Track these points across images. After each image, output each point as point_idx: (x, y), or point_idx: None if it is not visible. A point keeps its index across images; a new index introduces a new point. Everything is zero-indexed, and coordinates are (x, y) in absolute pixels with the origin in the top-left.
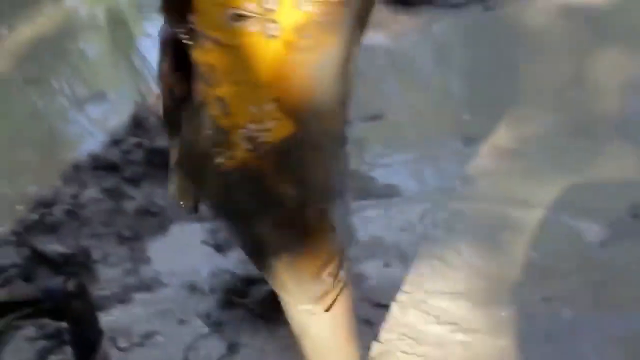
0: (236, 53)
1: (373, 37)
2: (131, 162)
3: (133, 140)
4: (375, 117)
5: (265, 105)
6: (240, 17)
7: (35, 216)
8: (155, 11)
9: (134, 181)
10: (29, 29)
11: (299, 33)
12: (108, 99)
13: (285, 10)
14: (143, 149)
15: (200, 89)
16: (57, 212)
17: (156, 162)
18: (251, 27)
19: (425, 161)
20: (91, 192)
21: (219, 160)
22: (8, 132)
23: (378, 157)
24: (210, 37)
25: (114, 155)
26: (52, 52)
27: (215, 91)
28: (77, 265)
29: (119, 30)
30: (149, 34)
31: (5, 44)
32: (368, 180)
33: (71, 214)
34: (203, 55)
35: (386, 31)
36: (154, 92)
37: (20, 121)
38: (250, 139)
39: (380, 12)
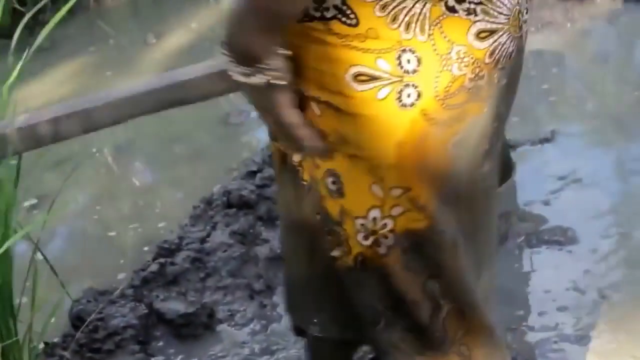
0: (357, 122)
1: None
2: (267, 198)
3: (269, 171)
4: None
5: (390, 189)
6: (367, 78)
7: (156, 266)
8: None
9: (269, 221)
10: (177, 38)
11: (444, 102)
12: (248, 121)
13: (429, 72)
14: None
15: (309, 162)
16: (181, 260)
17: None
18: (381, 93)
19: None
20: (220, 236)
21: (334, 253)
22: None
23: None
24: (321, 100)
25: (248, 190)
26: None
27: (326, 164)
28: (199, 326)
29: None
30: None
31: (151, 54)
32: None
33: (196, 262)
34: (313, 119)
35: None
36: None
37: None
38: (369, 231)
39: None
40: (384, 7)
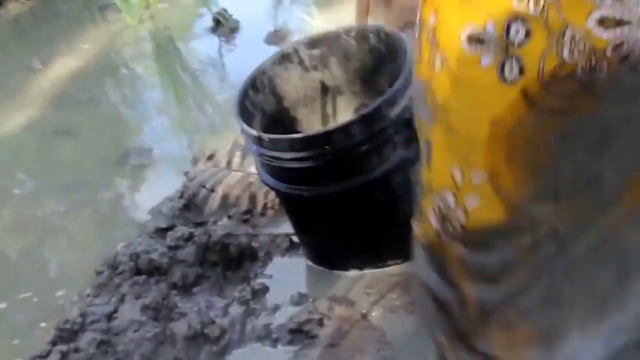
0: (459, 87)
1: None
2: (181, 261)
3: (182, 229)
4: None
5: (474, 171)
6: (475, 40)
7: (56, 356)
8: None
9: (184, 289)
10: (65, 63)
11: (549, 87)
12: (151, 163)
13: (536, 49)
14: (195, 243)
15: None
16: (85, 344)
17: (212, 260)
18: (484, 59)
19: None
20: (130, 310)
21: (414, 225)
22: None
23: None
24: (442, 56)
25: (158, 252)
26: (89, 95)
27: (427, 130)
28: None
29: (167, 58)
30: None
31: (38, 81)
32: None
33: (103, 345)
34: (432, 76)
35: None
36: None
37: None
38: (440, 214)
39: None
40: None
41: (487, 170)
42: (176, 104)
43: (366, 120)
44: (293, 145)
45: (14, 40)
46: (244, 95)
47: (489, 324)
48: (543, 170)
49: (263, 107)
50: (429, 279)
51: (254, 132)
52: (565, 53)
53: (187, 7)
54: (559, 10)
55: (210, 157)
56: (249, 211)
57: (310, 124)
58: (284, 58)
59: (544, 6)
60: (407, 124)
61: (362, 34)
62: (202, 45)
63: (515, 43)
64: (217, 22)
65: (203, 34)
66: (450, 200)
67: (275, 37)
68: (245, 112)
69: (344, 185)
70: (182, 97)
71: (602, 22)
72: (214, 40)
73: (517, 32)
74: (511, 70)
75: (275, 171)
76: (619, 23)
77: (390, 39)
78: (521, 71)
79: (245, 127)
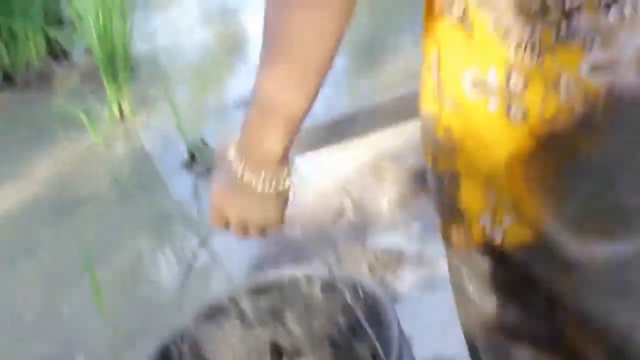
0: (471, 128)
1: None
2: None
3: None
4: None
5: (502, 197)
6: (480, 84)
7: None
8: None
9: None
10: (15, 192)
11: (552, 126)
12: None
13: (536, 95)
14: None
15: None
16: None
17: None
18: (491, 104)
19: None
20: None
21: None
22: None
23: None
24: (448, 96)
25: None
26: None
27: (451, 163)
28: None
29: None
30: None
31: None
32: None
33: None
34: (443, 113)
35: None
36: None
37: None
38: (485, 235)
39: None
40: (496, 23)
41: (510, 196)
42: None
43: None
44: None
45: None
46: None
47: None
48: (560, 202)
49: None
50: None
51: None
52: (562, 98)
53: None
54: (553, 60)
55: None
56: None
57: None
58: (215, 312)
59: (539, 57)
60: None
61: (330, 286)
62: (173, 185)
63: (517, 91)
64: (192, 157)
65: (175, 169)
66: (487, 221)
67: None
68: None
69: None
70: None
71: (593, 68)
72: (187, 179)
73: (517, 82)
74: (516, 114)
75: None
76: (609, 67)
77: (371, 299)
78: (524, 115)
79: None
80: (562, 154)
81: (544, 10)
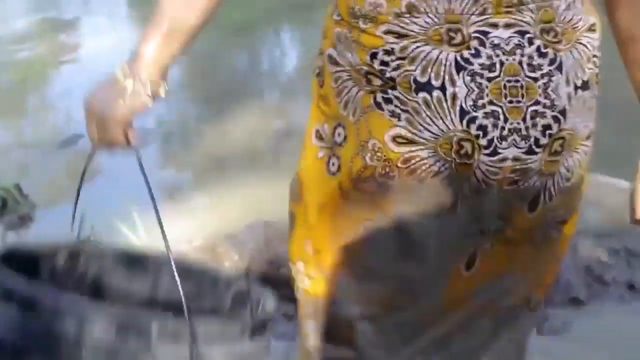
0: (307, 172)
1: None
2: None
3: None
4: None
5: (306, 247)
6: (319, 136)
7: None
8: None
9: None
10: None
11: (357, 184)
12: None
13: (349, 152)
14: None
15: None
16: None
17: None
18: (320, 152)
19: None
20: None
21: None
22: None
23: None
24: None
25: None
26: None
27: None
28: None
29: None
30: None
31: None
32: None
33: None
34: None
35: None
36: None
37: None
38: (294, 280)
39: None
40: (336, 80)
41: (315, 248)
42: None
43: None
44: None
45: None
46: None
47: None
48: (358, 257)
49: None
50: None
51: None
52: (367, 158)
53: None
54: (367, 123)
55: None
56: None
57: None
58: None
59: (357, 118)
60: None
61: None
62: None
63: (338, 143)
64: (4, 204)
65: None
66: (302, 267)
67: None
68: None
69: None
70: None
71: (395, 139)
72: None
73: (339, 135)
74: (333, 165)
75: None
76: (410, 142)
77: None
78: (339, 168)
79: None
80: (363, 213)
81: (368, 81)
